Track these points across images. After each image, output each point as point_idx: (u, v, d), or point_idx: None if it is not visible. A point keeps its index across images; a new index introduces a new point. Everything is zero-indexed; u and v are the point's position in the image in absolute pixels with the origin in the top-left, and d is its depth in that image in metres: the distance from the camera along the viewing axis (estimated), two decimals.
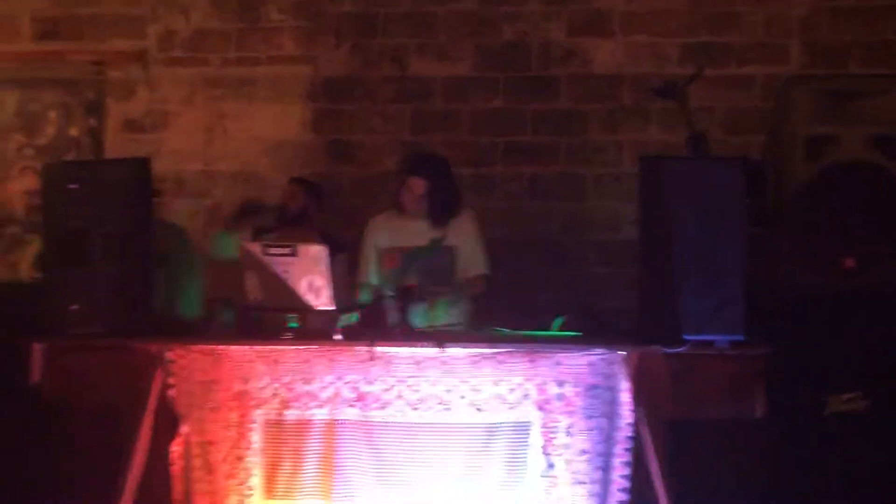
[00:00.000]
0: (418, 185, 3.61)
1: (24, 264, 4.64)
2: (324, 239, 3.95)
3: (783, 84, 3.27)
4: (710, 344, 2.92)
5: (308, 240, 3.71)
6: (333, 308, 3.07)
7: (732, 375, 2.93)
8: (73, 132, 4.77)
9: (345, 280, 3.91)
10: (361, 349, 3.04)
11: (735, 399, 2.93)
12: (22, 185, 4.70)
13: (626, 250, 4.30)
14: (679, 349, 2.88)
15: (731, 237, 2.90)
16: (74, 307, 3.06)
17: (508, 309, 3.89)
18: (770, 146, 3.29)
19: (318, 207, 4.22)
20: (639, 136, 4.53)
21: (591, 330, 3.21)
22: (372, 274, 3.71)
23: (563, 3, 4.56)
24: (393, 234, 3.68)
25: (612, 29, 4.55)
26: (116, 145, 4.71)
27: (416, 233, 3.62)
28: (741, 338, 2.90)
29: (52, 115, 4.77)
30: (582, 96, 4.56)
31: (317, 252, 3.03)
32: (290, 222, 4.10)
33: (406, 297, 3.26)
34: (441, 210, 3.62)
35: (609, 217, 4.53)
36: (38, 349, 3.09)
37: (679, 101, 3.44)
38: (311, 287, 3.06)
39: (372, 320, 3.55)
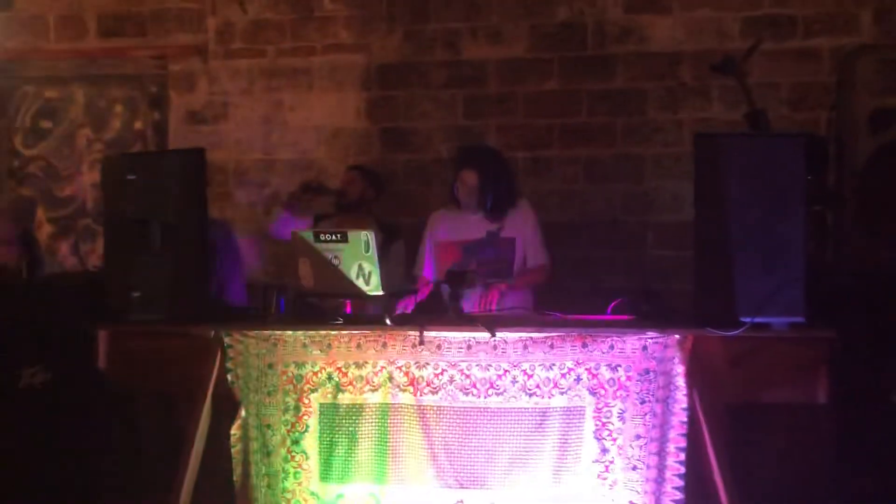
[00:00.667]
0: (471, 177, 3.59)
1: (95, 255, 4.82)
2: (380, 226, 3.98)
3: (847, 55, 3.11)
4: (768, 327, 2.81)
5: (364, 226, 3.74)
6: (383, 293, 3.07)
7: (793, 359, 2.83)
8: (139, 125, 4.92)
9: (401, 267, 3.93)
10: (412, 334, 3.05)
11: (797, 384, 2.83)
12: (91, 178, 4.87)
13: (686, 232, 4.17)
14: (735, 332, 2.79)
15: (791, 216, 2.79)
16: (136, 294, 3.15)
17: (566, 293, 3.85)
18: (833, 121, 3.15)
19: (376, 195, 4.24)
20: (700, 115, 4.41)
21: (648, 313, 3.14)
22: (430, 268, 3.71)
23: None
24: (451, 228, 3.68)
25: (670, 4, 4.42)
26: (179, 137, 4.84)
27: (474, 226, 3.61)
28: (801, 320, 2.79)
29: (118, 109, 4.92)
30: (639, 75, 4.46)
31: (366, 238, 3.05)
32: (349, 209, 4.13)
33: (456, 282, 3.25)
34: (496, 201, 3.60)
35: (669, 198, 4.42)
36: (102, 336, 3.20)
37: (737, 77, 3.33)
38: (361, 272, 3.08)
39: (429, 308, 3.56)
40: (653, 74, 4.45)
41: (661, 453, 2.94)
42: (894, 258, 2.95)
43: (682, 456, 2.91)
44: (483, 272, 3.55)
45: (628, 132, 4.48)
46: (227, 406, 3.19)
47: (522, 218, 3.66)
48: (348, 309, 3.25)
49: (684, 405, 2.92)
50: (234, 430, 3.18)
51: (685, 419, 2.92)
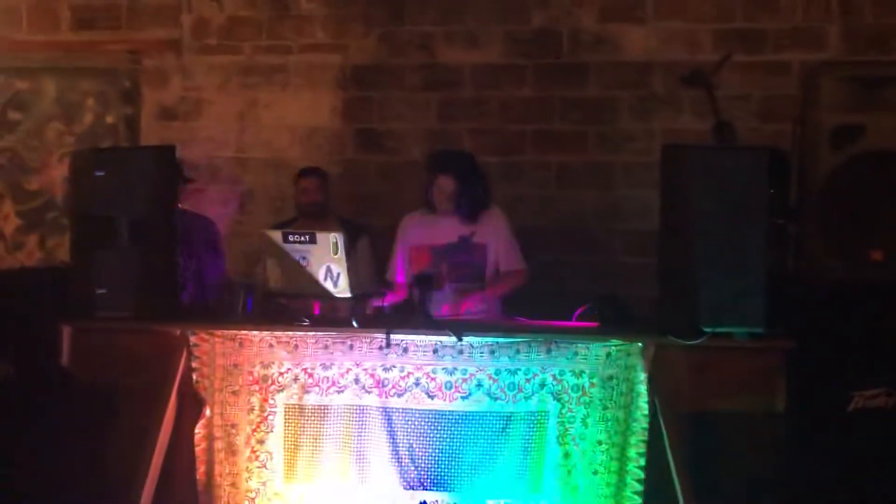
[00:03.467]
0: (447, 183, 3.60)
1: (63, 249, 4.77)
2: (343, 225, 3.99)
3: (811, 71, 3.18)
4: (729, 336, 2.87)
5: (328, 227, 3.75)
6: (351, 295, 3.09)
7: (753, 369, 2.88)
8: (110, 120, 4.88)
9: (369, 263, 3.93)
10: (379, 336, 3.06)
11: (755, 393, 2.89)
12: (61, 172, 4.82)
13: (653, 240, 4.24)
14: (697, 341, 2.84)
15: (753, 228, 2.84)
16: (102, 291, 3.13)
17: (534, 298, 3.88)
18: (796, 135, 3.21)
19: (330, 192, 4.24)
20: (670, 125, 4.45)
21: (614, 320, 3.18)
22: (402, 272, 3.71)
23: None
24: (423, 232, 3.69)
25: (644, 15, 4.47)
26: (151, 132, 4.81)
27: (446, 230, 3.63)
28: (761, 330, 2.85)
29: (90, 102, 4.88)
30: (612, 84, 4.50)
31: (335, 239, 3.06)
32: (311, 215, 4.11)
33: (424, 285, 3.27)
34: (471, 206, 3.63)
35: (638, 206, 4.46)
36: (67, 332, 3.18)
37: (706, 89, 3.38)
38: (329, 274, 3.09)
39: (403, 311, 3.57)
40: (625, 83, 4.50)
41: (622, 459, 2.98)
42: (853, 271, 3.01)
43: (643, 462, 2.95)
44: (455, 276, 3.58)
45: (600, 140, 4.52)
46: (191, 405, 3.19)
47: (494, 225, 3.68)
48: (316, 310, 3.26)
49: (646, 412, 2.96)
50: (199, 429, 3.18)
51: (646, 426, 2.96)
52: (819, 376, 2.98)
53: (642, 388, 2.97)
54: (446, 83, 4.60)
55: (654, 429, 2.94)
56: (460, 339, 3.01)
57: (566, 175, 4.55)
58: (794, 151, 3.22)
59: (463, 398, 3.06)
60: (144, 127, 4.83)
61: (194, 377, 3.18)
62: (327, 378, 3.15)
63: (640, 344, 2.96)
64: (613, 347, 2.99)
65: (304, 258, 3.12)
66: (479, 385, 3.06)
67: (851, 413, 2.99)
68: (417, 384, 3.09)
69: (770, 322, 2.83)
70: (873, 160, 2.99)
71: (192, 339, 3.18)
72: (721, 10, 4.42)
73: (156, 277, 3.22)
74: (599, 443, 3.00)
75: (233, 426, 3.19)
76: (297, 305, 3.25)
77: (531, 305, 3.51)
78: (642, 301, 3.75)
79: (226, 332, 3.19)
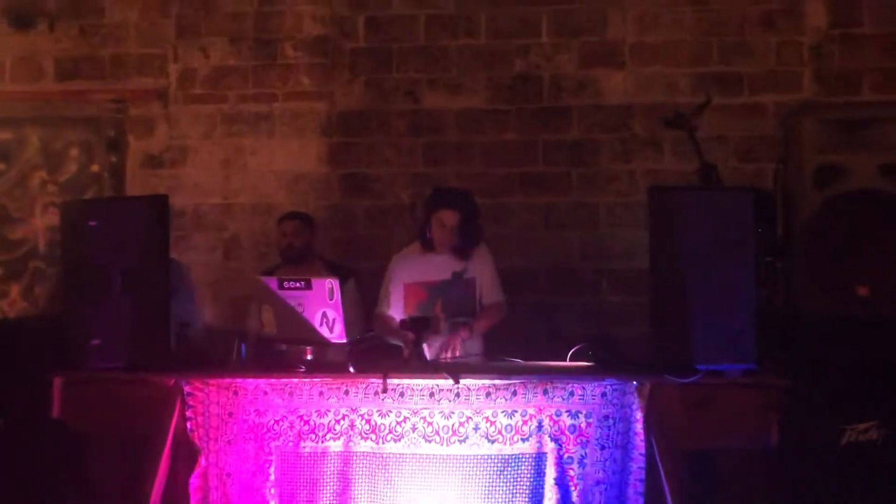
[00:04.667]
0: (451, 217, 3.63)
1: (43, 298, 4.73)
2: (329, 269, 4.00)
3: (792, 113, 3.29)
4: (722, 373, 2.91)
5: (315, 272, 3.76)
6: (346, 341, 3.10)
7: (746, 405, 2.92)
8: (95, 168, 4.88)
9: (356, 307, 3.94)
10: (375, 381, 3.06)
11: (750, 429, 2.92)
12: (45, 221, 4.80)
13: (639, 278, 4.30)
14: (691, 379, 2.87)
15: (742, 266, 2.91)
16: (96, 342, 3.11)
17: (524, 338, 3.90)
18: (780, 175, 3.30)
19: (314, 237, 4.26)
20: (652, 166, 4.55)
21: (608, 359, 3.21)
22: (394, 308, 3.72)
23: (574, 35, 4.61)
24: (417, 269, 3.70)
25: (623, 60, 4.59)
26: (137, 181, 4.81)
27: (439, 267, 3.65)
28: (754, 367, 2.89)
29: (74, 152, 4.88)
30: (594, 127, 4.60)
31: (330, 286, 3.07)
32: (296, 260, 4.12)
33: (419, 328, 3.28)
34: (469, 242, 3.67)
35: (623, 246, 4.53)
36: (58, 383, 3.15)
37: (687, 131, 3.47)
38: (324, 320, 3.10)
39: (387, 352, 3.58)
40: (607, 126, 4.59)
41: (621, 498, 2.99)
42: (840, 306, 3.08)
43: (642, 501, 2.96)
44: (448, 312, 3.59)
45: (584, 181, 4.60)
46: (186, 455, 3.15)
47: (481, 260, 3.73)
48: (308, 355, 3.26)
49: (643, 451, 2.98)
50: (194, 480, 3.15)
51: (643, 465, 2.98)
52: (812, 412, 3.03)
53: (639, 427, 2.99)
54: (431, 128, 4.67)
55: (651, 467, 2.96)
56: (457, 383, 3.02)
57: (552, 216, 4.61)
58: (778, 190, 3.31)
59: (460, 442, 3.06)
60: (130, 175, 4.83)
61: (188, 426, 3.16)
62: (323, 424, 3.14)
63: (635, 383, 2.99)
64: (609, 387, 3.01)
65: (299, 304, 3.12)
66: (477, 428, 3.06)
67: (844, 447, 3.03)
68: (414, 429, 3.08)
69: (762, 358, 2.88)
70: (855, 199, 3.08)
71: (186, 389, 3.16)
72: (697, 54, 4.55)
73: (148, 327, 3.21)
74: (598, 482, 3.01)
75: (228, 475, 3.16)
76: (291, 351, 3.25)
77: (523, 347, 3.53)
78: (631, 340, 3.80)
79: (220, 380, 3.17)
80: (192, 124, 4.81)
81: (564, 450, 3.02)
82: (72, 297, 3.24)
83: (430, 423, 3.07)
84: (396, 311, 3.67)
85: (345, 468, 3.11)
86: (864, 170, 3.07)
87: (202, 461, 3.15)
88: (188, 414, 3.16)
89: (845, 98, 4.36)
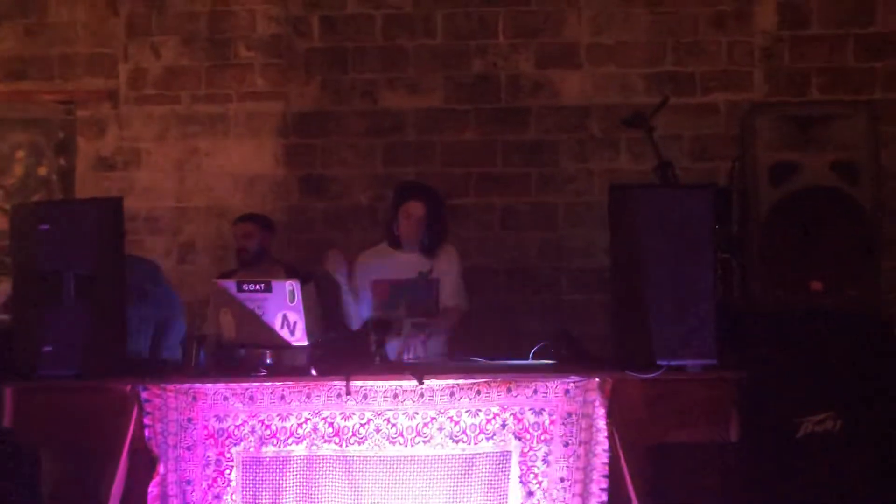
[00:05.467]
0: (417, 208, 3.63)
1: None
2: (288, 272, 3.96)
3: (746, 112, 3.35)
4: (682, 369, 2.95)
5: (274, 275, 3.72)
6: (307, 343, 3.06)
7: (706, 399, 2.96)
8: (42, 172, 4.76)
9: (315, 309, 3.91)
10: (337, 384, 3.04)
11: (710, 423, 2.96)
12: None
13: (599, 277, 4.36)
14: (653, 375, 2.91)
15: (701, 263, 2.95)
16: (48, 349, 3.03)
17: (486, 337, 3.92)
18: (735, 172, 3.36)
19: (272, 239, 4.22)
20: (609, 165, 4.61)
21: (570, 357, 3.23)
22: (363, 307, 3.70)
23: (531, 36, 4.64)
24: (383, 266, 3.69)
25: (579, 61, 4.63)
26: (87, 184, 4.71)
27: (406, 265, 3.64)
28: (714, 362, 2.94)
29: (21, 154, 4.76)
30: (551, 127, 4.63)
31: (291, 288, 3.04)
32: (252, 263, 4.07)
33: (382, 330, 3.27)
34: (436, 236, 3.67)
35: (582, 245, 4.58)
36: (10, 392, 3.06)
37: (645, 131, 3.51)
38: (285, 322, 3.06)
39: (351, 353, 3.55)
40: (564, 126, 4.63)
41: (585, 495, 3.01)
42: (794, 301, 3.15)
43: (605, 497, 2.98)
44: (411, 312, 3.57)
45: (542, 181, 4.63)
46: (143, 462, 3.09)
47: (448, 262, 3.73)
48: (269, 359, 3.21)
49: (605, 447, 3.01)
50: (152, 488, 3.08)
51: (606, 461, 3.00)
52: (769, 404, 3.08)
53: (601, 423, 3.01)
54: (389, 128, 4.66)
55: (614, 463, 2.99)
56: (422, 383, 3.01)
57: (510, 216, 4.64)
58: (734, 188, 3.37)
59: (425, 442, 3.05)
60: (80, 178, 4.73)
61: (146, 433, 3.08)
62: (285, 428, 3.10)
63: (597, 379, 3.02)
64: (572, 384, 3.03)
65: (258, 307, 3.08)
66: (441, 428, 3.05)
67: (801, 438, 3.10)
68: (378, 430, 3.06)
69: (721, 353, 2.92)
70: (809, 195, 3.15)
71: (144, 395, 3.09)
72: (651, 55, 4.62)
73: (104, 333, 3.13)
74: (562, 480, 3.02)
75: (188, 482, 3.10)
76: (251, 355, 3.20)
77: (484, 346, 3.55)
78: (591, 337, 3.84)
79: (179, 385, 3.11)
80: (144, 125, 4.73)
81: (528, 447, 3.03)
82: (22, 304, 3.14)
83: (393, 425, 3.06)
84: (362, 308, 3.65)
85: (308, 472, 3.07)
86: (817, 167, 3.14)
87: (161, 468, 3.08)
88: (146, 421, 3.09)
89: (795, 97, 4.49)
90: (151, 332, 3.67)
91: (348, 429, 3.07)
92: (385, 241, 3.72)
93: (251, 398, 3.10)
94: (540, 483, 3.02)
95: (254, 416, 3.10)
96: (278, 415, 3.09)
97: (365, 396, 3.07)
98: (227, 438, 3.10)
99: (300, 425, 3.09)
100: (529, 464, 3.03)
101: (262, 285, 3.08)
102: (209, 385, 3.11)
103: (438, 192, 3.81)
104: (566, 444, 3.03)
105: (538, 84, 4.64)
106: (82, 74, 4.73)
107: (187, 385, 3.11)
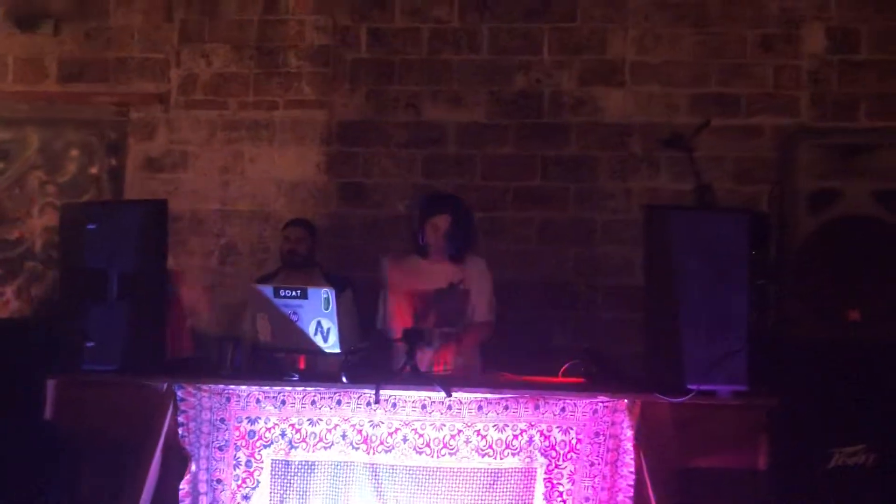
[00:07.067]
0: (444, 220, 3.66)
1: (37, 299, 4.74)
2: (328, 279, 4.01)
3: (788, 138, 3.33)
4: (713, 393, 2.93)
5: (313, 281, 3.77)
6: (341, 351, 3.11)
7: (736, 426, 2.94)
8: (94, 171, 4.89)
9: (352, 317, 3.94)
10: (367, 392, 3.07)
11: (739, 449, 2.94)
12: (42, 222, 4.80)
13: (634, 295, 4.33)
14: (682, 398, 2.89)
15: (736, 288, 2.93)
16: (90, 344, 3.12)
17: (517, 351, 3.92)
18: (775, 198, 3.33)
19: (317, 245, 4.28)
20: (648, 184, 4.58)
21: (600, 376, 3.23)
22: (390, 317, 3.73)
23: (575, 52, 4.65)
24: (411, 276, 3.72)
25: (623, 79, 4.63)
26: (136, 184, 4.83)
27: (436, 276, 3.66)
28: (744, 388, 2.91)
29: (74, 153, 4.89)
30: (592, 144, 4.63)
31: (326, 295, 3.09)
32: (298, 266, 4.14)
33: (413, 340, 3.29)
34: (463, 245, 3.69)
35: (618, 262, 4.56)
36: (51, 385, 3.15)
37: (685, 152, 3.50)
38: (319, 329, 3.11)
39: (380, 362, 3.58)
40: (604, 144, 4.63)
41: None
42: (831, 330, 3.11)
43: None
44: (440, 323, 3.59)
45: (580, 197, 4.63)
46: (176, 460, 3.16)
47: (479, 275, 3.74)
48: (301, 364, 3.26)
49: (632, 468, 3.00)
50: (183, 485, 3.15)
51: (632, 482, 2.99)
52: (800, 434, 3.04)
53: (628, 445, 3.00)
54: (431, 140, 4.70)
55: (639, 485, 2.98)
56: (450, 395, 3.03)
57: (547, 231, 4.64)
58: (773, 213, 3.34)
59: (451, 454, 3.07)
60: (129, 178, 4.84)
61: (180, 432, 3.16)
62: (314, 433, 3.15)
63: (626, 400, 3.01)
64: (600, 404, 3.03)
65: (294, 313, 3.14)
66: (468, 441, 3.07)
67: (832, 470, 3.05)
68: (405, 440, 3.09)
69: (752, 380, 2.90)
70: (848, 224, 3.11)
71: (179, 394, 3.17)
72: (697, 75, 4.59)
73: (144, 331, 3.22)
74: (587, 499, 3.02)
75: (218, 482, 3.16)
76: (285, 359, 3.25)
77: (515, 361, 3.55)
78: (624, 356, 3.82)
79: (213, 386, 3.18)
80: (192, 129, 4.83)
81: (554, 465, 3.03)
82: (68, 299, 3.24)
83: (421, 435, 3.08)
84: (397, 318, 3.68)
85: (335, 478, 3.12)
86: (859, 196, 3.11)
87: (192, 466, 3.15)
88: (180, 419, 3.16)
89: (842, 123, 4.42)
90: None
91: (376, 437, 3.11)
92: (413, 252, 3.75)
93: (283, 402, 3.16)
94: (565, 501, 3.02)
95: (285, 420, 3.15)
96: (308, 420, 3.14)
97: (394, 405, 3.11)
98: (257, 440, 3.16)
99: (329, 431, 3.13)
100: (555, 482, 3.03)
101: (299, 291, 3.13)
102: (242, 387, 3.17)
103: (463, 202, 3.82)
104: (592, 464, 3.03)
105: (580, 101, 4.65)
106: (136, 78, 4.85)
107: (221, 386, 3.18)
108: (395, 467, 3.08)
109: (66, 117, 4.89)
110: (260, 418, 3.16)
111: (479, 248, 3.88)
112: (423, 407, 3.09)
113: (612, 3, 4.62)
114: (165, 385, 3.16)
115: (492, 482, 3.04)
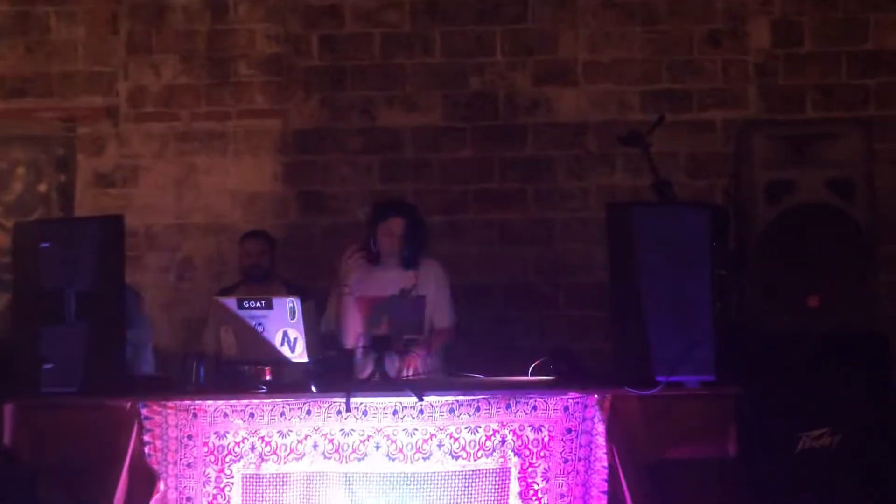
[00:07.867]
0: (398, 224, 3.65)
1: None
2: (289, 289, 3.98)
3: (741, 131, 3.40)
4: (681, 384, 2.96)
5: (275, 292, 3.73)
6: (308, 360, 3.07)
7: (705, 416, 2.97)
8: (42, 188, 4.77)
9: (315, 327, 3.91)
10: (337, 400, 3.05)
11: (709, 438, 2.97)
12: None
13: (595, 293, 4.39)
14: (651, 391, 2.92)
15: (699, 280, 2.97)
16: (49, 365, 3.03)
17: (484, 353, 3.93)
18: (732, 190, 3.40)
19: (275, 256, 4.25)
20: (605, 182, 4.64)
21: (568, 373, 3.25)
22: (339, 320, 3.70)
23: (528, 53, 4.69)
24: (364, 283, 3.70)
25: (576, 78, 4.68)
26: (86, 201, 4.73)
27: (388, 282, 3.65)
28: (712, 378, 2.96)
29: (21, 171, 4.77)
30: (548, 144, 4.67)
31: (292, 304, 3.05)
32: (259, 279, 4.09)
33: (381, 346, 3.28)
34: (416, 250, 3.67)
35: (579, 260, 4.61)
36: (9, 409, 3.06)
37: (642, 149, 3.55)
38: (286, 339, 3.07)
39: (347, 370, 3.56)
40: (560, 143, 4.67)
41: None
42: (791, 317, 3.18)
43: None
44: (394, 330, 3.58)
45: (539, 197, 4.66)
46: (144, 480, 3.08)
47: (434, 276, 3.72)
48: (268, 375, 3.22)
49: (604, 463, 3.01)
50: None
51: (606, 476, 3.01)
52: (767, 419, 3.10)
53: (600, 440, 3.02)
54: (387, 146, 4.69)
55: (613, 478, 3.00)
56: (421, 400, 3.02)
57: (508, 232, 4.66)
58: (730, 205, 3.40)
59: (424, 459, 3.05)
60: (79, 195, 4.74)
61: (146, 451, 3.08)
62: (285, 445, 3.10)
63: (596, 396, 3.03)
64: (571, 400, 3.04)
65: (259, 324, 3.09)
66: (440, 445, 3.06)
67: (799, 453, 3.11)
68: (378, 447, 3.07)
69: (719, 369, 2.94)
70: (805, 213, 3.18)
71: (144, 412, 3.09)
72: (647, 72, 4.67)
73: (104, 350, 3.14)
74: (562, 496, 3.03)
75: (188, 500, 3.09)
76: (251, 372, 3.21)
77: (482, 362, 3.56)
78: (589, 352, 3.86)
79: (179, 402, 3.11)
80: (143, 143, 4.75)
81: (528, 464, 3.04)
82: (23, 321, 3.15)
83: (393, 441, 3.06)
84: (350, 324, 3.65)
85: (308, 489, 3.07)
86: (813, 185, 3.18)
87: (161, 485, 3.08)
88: (146, 438, 3.09)
89: (789, 115, 4.54)
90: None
91: (348, 445, 3.07)
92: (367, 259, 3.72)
93: (251, 415, 3.10)
94: (540, 499, 3.03)
95: (254, 433, 3.10)
96: (278, 431, 3.10)
97: (365, 413, 3.08)
98: (227, 455, 3.10)
99: (300, 442, 3.09)
100: (529, 480, 3.04)
101: (263, 302, 3.09)
102: (209, 402, 3.11)
103: (416, 207, 3.82)
104: (565, 461, 3.04)
105: (535, 101, 4.69)
106: (82, 92, 4.76)
107: (187, 402, 3.11)
108: (368, 475, 3.05)
109: (10, 134, 4.77)
110: (228, 432, 3.11)
111: (432, 252, 3.87)
112: (395, 413, 3.07)
113: (561, 4, 4.68)
114: (129, 404, 3.08)
115: (467, 484, 3.03)
